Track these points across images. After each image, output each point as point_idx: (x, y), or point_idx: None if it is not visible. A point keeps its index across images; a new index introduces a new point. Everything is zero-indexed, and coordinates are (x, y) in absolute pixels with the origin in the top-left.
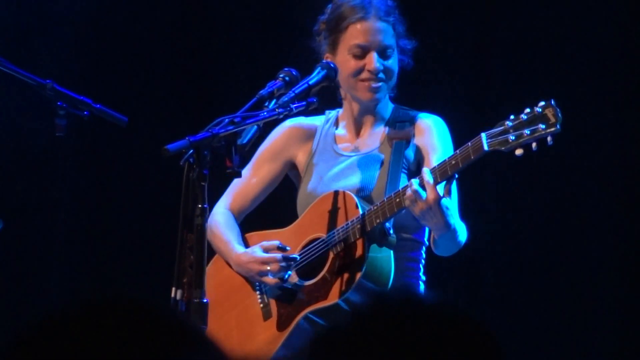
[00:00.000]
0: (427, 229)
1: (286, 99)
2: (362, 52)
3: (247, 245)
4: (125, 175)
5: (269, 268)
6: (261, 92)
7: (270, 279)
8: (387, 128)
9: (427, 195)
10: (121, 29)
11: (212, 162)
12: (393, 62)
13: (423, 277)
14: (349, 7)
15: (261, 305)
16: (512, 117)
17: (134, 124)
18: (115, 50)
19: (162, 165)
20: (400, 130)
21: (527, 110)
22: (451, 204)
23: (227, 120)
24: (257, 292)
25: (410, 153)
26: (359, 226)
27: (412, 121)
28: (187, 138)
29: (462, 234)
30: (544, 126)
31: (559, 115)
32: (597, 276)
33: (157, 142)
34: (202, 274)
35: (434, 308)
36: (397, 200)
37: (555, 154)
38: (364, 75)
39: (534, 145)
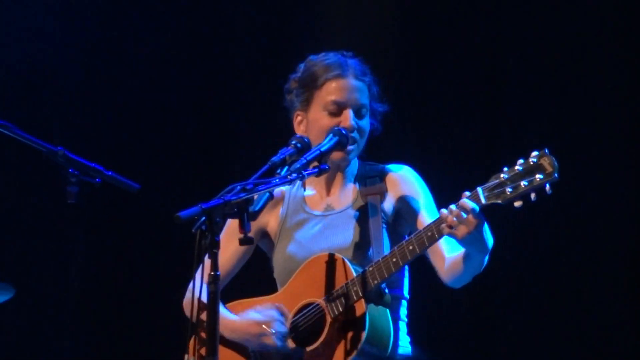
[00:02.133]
0: (406, 283)
1: (298, 165)
2: (337, 109)
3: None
4: (137, 241)
5: (267, 330)
6: (273, 158)
7: (270, 340)
8: (357, 184)
9: (469, 217)
10: (133, 97)
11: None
12: (366, 123)
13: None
14: (324, 65)
15: None
16: (505, 169)
17: (146, 191)
18: (127, 118)
19: (174, 233)
20: (372, 186)
21: (521, 161)
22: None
23: (239, 187)
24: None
25: (387, 206)
26: (356, 288)
27: (382, 175)
28: (199, 205)
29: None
30: (541, 176)
31: (555, 163)
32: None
33: (169, 209)
34: (215, 340)
35: None
36: (394, 260)
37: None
38: None
39: (532, 195)
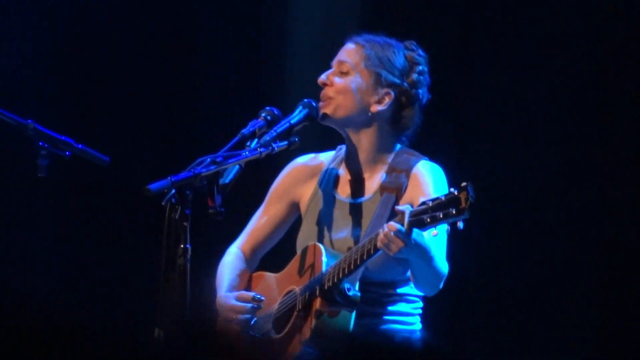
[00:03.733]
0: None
1: (268, 138)
2: None
3: (251, 284)
4: (107, 215)
5: (233, 317)
6: (243, 131)
7: (235, 327)
8: (384, 175)
9: (395, 238)
10: (102, 69)
11: (194, 202)
12: (347, 81)
13: (418, 329)
14: None
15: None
16: (438, 196)
17: (116, 163)
18: (97, 90)
19: (144, 205)
20: (394, 181)
21: (450, 189)
22: (432, 242)
23: (209, 159)
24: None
25: (400, 204)
26: (318, 284)
27: (409, 169)
28: (169, 178)
29: (443, 264)
30: (454, 210)
31: (471, 200)
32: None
33: (139, 182)
34: (185, 313)
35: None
36: (343, 267)
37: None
38: None
39: (447, 228)
